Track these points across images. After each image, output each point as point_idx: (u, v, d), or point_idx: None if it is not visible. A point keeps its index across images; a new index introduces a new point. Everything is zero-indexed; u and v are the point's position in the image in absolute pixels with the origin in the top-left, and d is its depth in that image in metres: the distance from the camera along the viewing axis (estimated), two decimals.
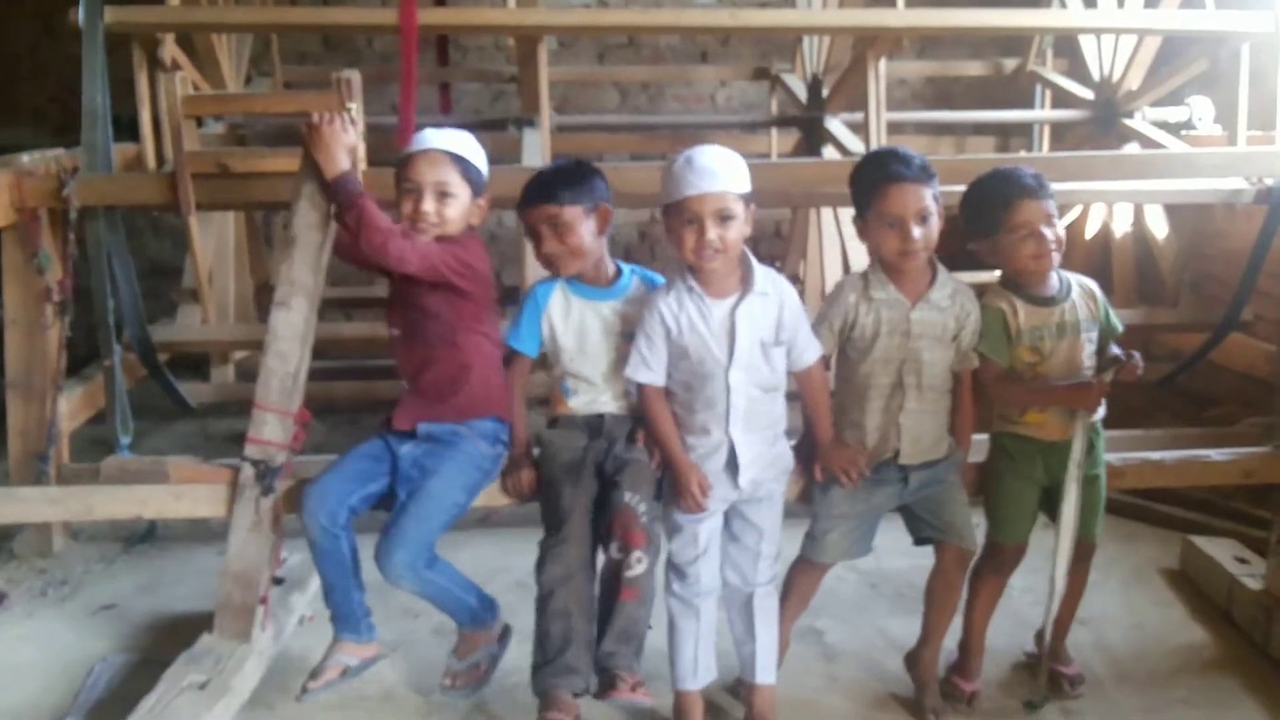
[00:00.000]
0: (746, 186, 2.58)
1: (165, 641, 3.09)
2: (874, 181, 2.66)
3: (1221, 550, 3.49)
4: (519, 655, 2.93)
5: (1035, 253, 2.69)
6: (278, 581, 3.24)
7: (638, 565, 2.58)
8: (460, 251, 2.79)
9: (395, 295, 2.91)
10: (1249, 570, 3.32)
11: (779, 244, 6.86)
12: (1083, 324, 2.78)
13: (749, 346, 2.59)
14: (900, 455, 2.71)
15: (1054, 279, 2.79)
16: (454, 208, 2.81)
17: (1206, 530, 3.77)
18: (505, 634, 2.97)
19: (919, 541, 2.85)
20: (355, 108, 3.07)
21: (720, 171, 2.52)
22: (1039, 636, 2.99)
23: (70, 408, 3.83)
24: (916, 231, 2.61)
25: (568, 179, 2.79)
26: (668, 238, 2.61)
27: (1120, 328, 2.88)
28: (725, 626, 2.81)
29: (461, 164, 2.82)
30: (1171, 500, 4.03)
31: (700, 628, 2.69)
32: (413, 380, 2.90)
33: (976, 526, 2.84)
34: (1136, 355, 2.74)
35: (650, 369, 2.64)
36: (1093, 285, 2.85)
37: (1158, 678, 3.02)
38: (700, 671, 2.71)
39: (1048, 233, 2.68)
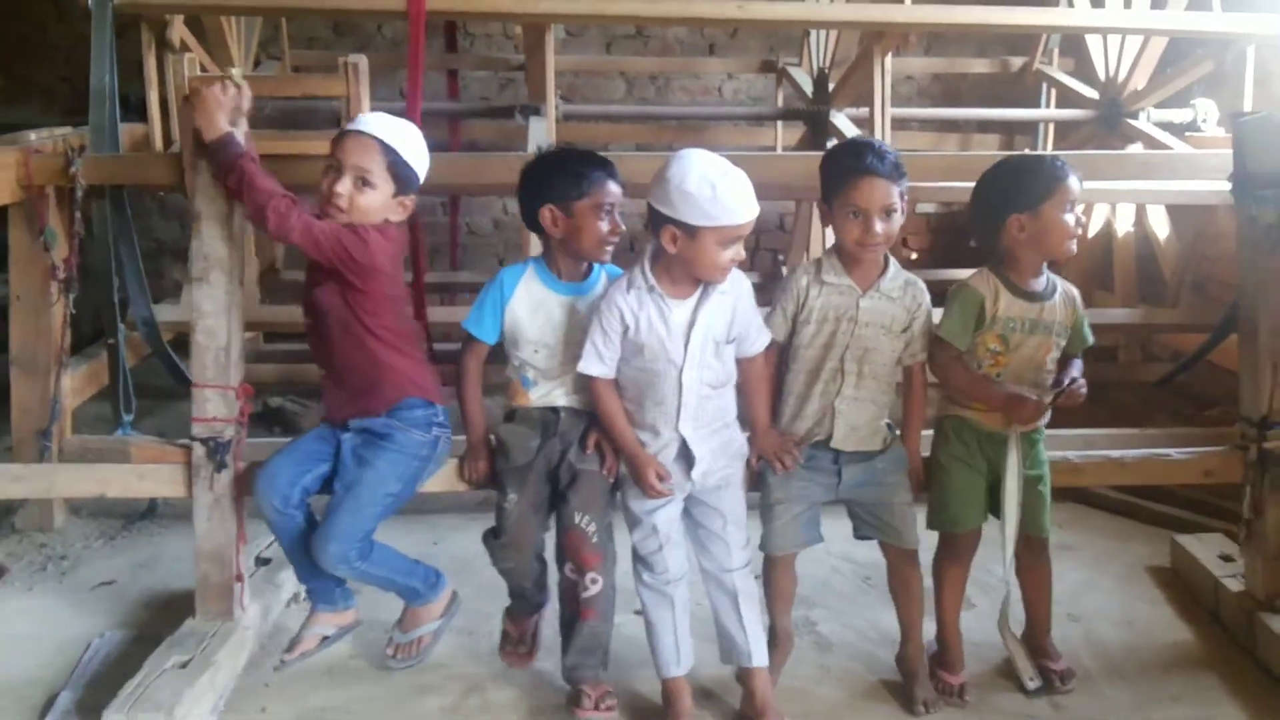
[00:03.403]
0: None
1: (162, 619, 3.11)
2: (847, 171, 2.67)
3: (1207, 549, 3.50)
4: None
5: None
6: (264, 562, 3.28)
7: (593, 586, 2.68)
8: (353, 243, 2.67)
9: (304, 285, 2.87)
10: (1232, 570, 3.33)
11: (782, 237, 6.87)
12: (1056, 327, 2.80)
13: (702, 347, 2.60)
14: (833, 440, 2.75)
15: (1044, 276, 2.81)
16: (371, 198, 2.71)
17: (1198, 528, 3.78)
18: (452, 603, 3.02)
19: (858, 537, 2.89)
20: (238, 72, 2.99)
21: None
22: (1024, 636, 3.01)
23: (74, 385, 3.85)
24: (879, 225, 2.64)
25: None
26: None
27: (1091, 341, 2.90)
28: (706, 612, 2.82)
29: (391, 155, 2.71)
30: (1167, 498, 4.04)
31: (675, 615, 2.71)
32: (326, 370, 2.88)
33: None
34: (1082, 381, 2.76)
35: (604, 363, 2.63)
36: (1075, 293, 2.87)
37: (1149, 674, 3.02)
38: (683, 657, 2.73)
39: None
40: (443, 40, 6.55)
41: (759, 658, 2.73)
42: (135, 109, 4.23)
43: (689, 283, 2.59)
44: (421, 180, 2.82)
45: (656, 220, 2.53)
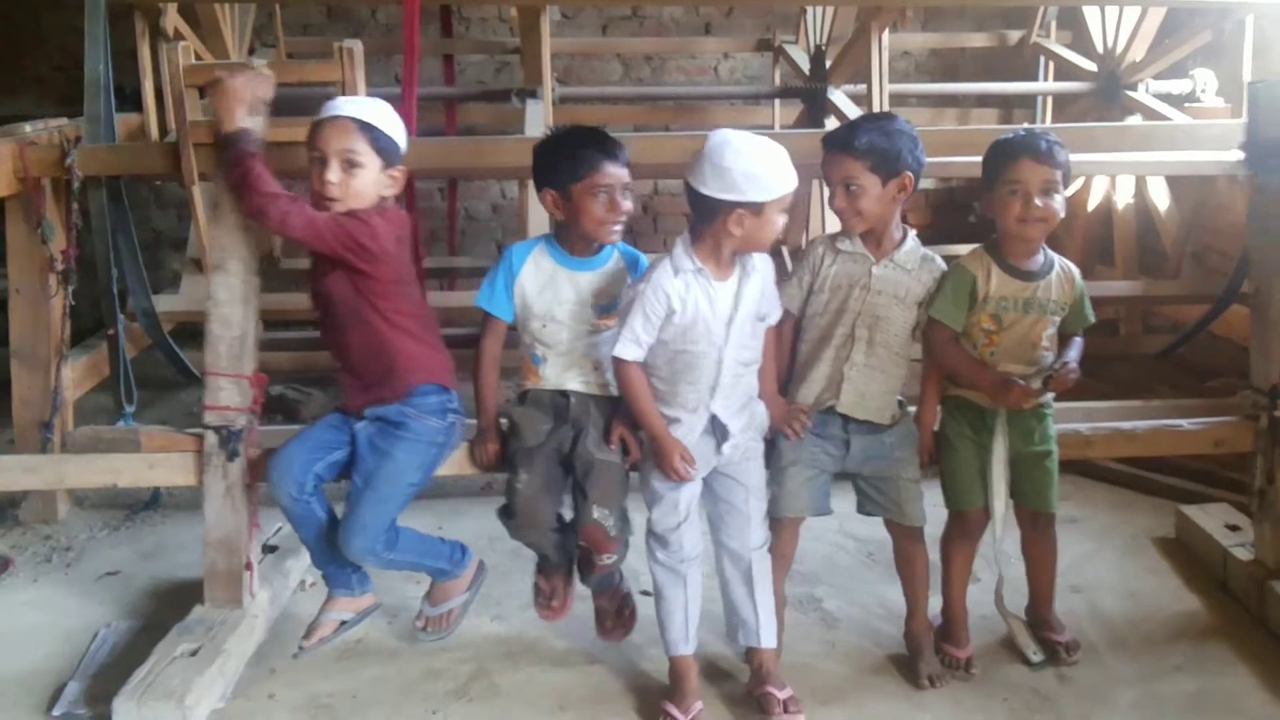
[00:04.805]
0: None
1: (168, 608, 3.12)
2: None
3: (1213, 519, 3.50)
4: (527, 625, 2.99)
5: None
6: (271, 549, 3.29)
7: (607, 560, 2.78)
8: (357, 228, 2.68)
9: (309, 275, 2.86)
10: (1240, 539, 3.33)
11: None
12: (1051, 305, 2.79)
13: (741, 326, 2.62)
14: (840, 404, 2.76)
15: (1039, 255, 2.80)
16: (362, 178, 2.71)
17: (1202, 499, 3.77)
18: (479, 573, 3.04)
19: (861, 512, 2.90)
20: (262, 63, 2.97)
21: None
22: (1029, 608, 3.03)
23: (74, 376, 3.85)
24: (838, 197, 2.71)
25: None
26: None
27: (1092, 319, 2.88)
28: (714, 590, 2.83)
29: (371, 132, 2.71)
30: (1169, 470, 4.04)
31: (688, 593, 2.72)
32: (340, 360, 2.88)
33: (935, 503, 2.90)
34: (1073, 366, 2.76)
35: (640, 348, 2.62)
36: (1074, 271, 2.86)
37: (1153, 645, 3.03)
38: (692, 636, 2.73)
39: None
40: (438, 25, 6.52)
41: (769, 639, 2.75)
42: (130, 99, 4.21)
43: (732, 264, 2.61)
44: (404, 149, 2.83)
45: (715, 207, 2.52)
